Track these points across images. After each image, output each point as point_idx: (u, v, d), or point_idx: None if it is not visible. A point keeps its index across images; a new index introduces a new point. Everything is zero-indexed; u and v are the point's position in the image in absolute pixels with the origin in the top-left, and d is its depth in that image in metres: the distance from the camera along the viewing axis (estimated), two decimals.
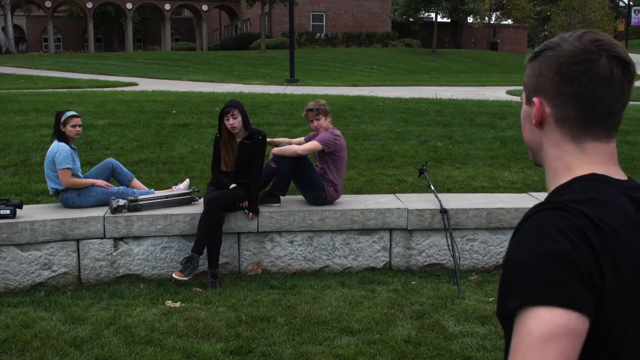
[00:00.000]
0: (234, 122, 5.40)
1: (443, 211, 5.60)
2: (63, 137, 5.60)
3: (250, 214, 5.54)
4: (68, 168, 5.49)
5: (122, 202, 5.47)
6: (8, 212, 5.25)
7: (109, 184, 5.75)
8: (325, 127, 5.84)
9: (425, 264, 5.83)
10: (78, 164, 5.71)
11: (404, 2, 48.52)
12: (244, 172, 5.54)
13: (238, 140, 5.53)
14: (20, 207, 5.35)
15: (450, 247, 5.50)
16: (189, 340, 4.19)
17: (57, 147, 5.52)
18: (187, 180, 6.16)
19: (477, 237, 5.83)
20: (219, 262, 5.44)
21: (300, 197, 6.01)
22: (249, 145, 5.50)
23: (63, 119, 5.58)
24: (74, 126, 5.60)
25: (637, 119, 10.71)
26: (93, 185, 5.63)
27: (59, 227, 5.30)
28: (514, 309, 1.03)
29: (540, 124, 1.20)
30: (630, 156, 8.38)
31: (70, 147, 5.60)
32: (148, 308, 4.79)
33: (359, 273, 5.72)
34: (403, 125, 10.03)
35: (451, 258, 5.67)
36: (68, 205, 5.60)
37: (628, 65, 1.15)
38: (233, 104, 5.46)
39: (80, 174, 5.72)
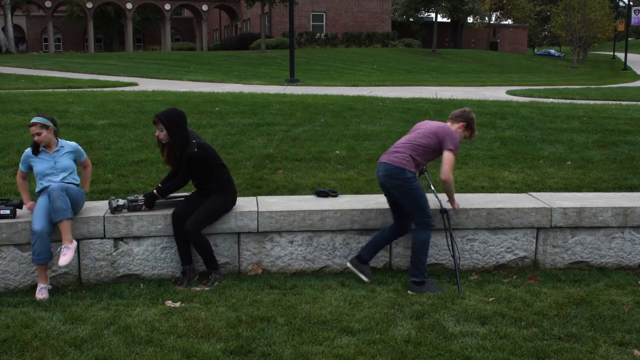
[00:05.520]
0: (160, 134, 5.29)
1: (443, 211, 5.59)
2: (34, 143, 5.42)
3: (144, 207, 5.47)
4: (19, 169, 5.48)
5: (121, 202, 5.47)
6: (8, 212, 5.25)
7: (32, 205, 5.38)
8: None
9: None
10: (44, 165, 5.36)
11: (404, 2, 48.55)
12: (203, 180, 5.45)
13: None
14: (20, 207, 5.35)
15: (450, 247, 5.50)
16: (189, 340, 4.19)
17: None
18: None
19: (477, 237, 5.83)
20: (220, 263, 5.46)
21: (301, 196, 6.00)
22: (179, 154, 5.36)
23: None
24: (33, 135, 5.37)
25: (637, 119, 10.72)
26: (25, 203, 5.44)
27: None
28: None
29: None
30: (630, 156, 8.37)
31: (40, 149, 5.38)
32: (148, 308, 4.80)
33: None
34: (403, 125, 10.03)
35: (451, 258, 5.67)
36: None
37: None
38: (158, 116, 5.27)
39: (58, 173, 5.39)
